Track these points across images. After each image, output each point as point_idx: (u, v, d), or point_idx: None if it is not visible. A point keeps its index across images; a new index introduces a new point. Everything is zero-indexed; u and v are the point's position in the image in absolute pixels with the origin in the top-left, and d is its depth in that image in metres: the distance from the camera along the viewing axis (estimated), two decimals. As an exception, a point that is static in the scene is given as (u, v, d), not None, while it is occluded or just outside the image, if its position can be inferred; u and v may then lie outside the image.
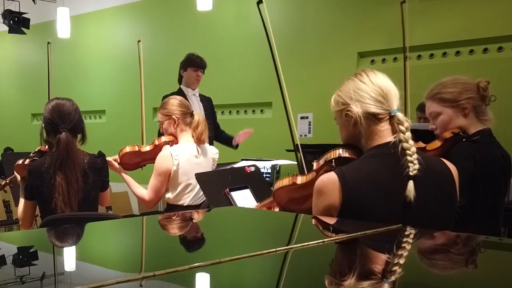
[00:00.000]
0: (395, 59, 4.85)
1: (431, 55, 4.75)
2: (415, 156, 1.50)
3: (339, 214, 1.51)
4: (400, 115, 1.54)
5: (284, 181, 1.77)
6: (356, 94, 1.58)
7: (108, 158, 3.07)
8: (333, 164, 1.62)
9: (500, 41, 4.37)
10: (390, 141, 1.54)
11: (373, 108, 1.55)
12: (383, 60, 4.96)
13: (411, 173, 1.48)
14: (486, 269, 1.05)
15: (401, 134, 1.52)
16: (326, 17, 5.36)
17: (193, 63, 4.23)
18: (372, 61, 5.12)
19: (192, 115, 3.09)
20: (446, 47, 4.64)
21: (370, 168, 1.53)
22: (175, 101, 3.09)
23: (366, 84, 1.57)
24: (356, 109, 1.56)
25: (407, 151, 1.50)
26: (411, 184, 1.47)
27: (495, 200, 2.10)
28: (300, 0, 5.53)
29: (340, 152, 1.63)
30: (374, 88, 1.56)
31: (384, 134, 1.56)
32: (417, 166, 1.49)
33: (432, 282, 0.95)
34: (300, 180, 1.73)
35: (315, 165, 1.69)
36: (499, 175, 2.09)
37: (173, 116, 3.04)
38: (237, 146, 4.48)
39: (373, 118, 1.56)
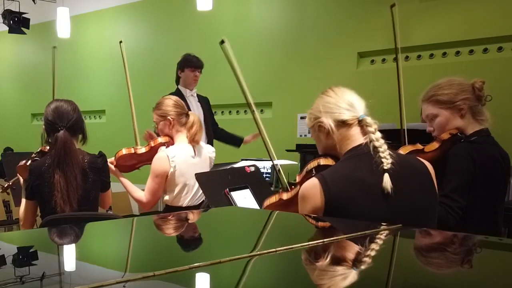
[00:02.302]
0: (395, 59, 4.85)
1: (431, 55, 4.75)
2: (387, 152, 1.60)
3: (324, 215, 1.57)
4: (368, 118, 1.65)
5: (271, 199, 1.86)
6: (324, 107, 1.69)
7: None
8: (314, 172, 1.70)
9: (500, 41, 4.36)
10: (362, 143, 1.64)
11: (342, 116, 1.66)
12: (383, 60, 4.96)
13: (385, 167, 1.57)
14: (486, 269, 1.05)
15: (372, 135, 1.63)
16: (326, 17, 5.36)
17: (190, 63, 4.21)
18: (372, 61, 5.12)
19: (187, 115, 3.07)
20: (446, 47, 4.64)
21: (347, 168, 1.62)
22: (170, 101, 3.07)
23: (332, 97, 1.70)
24: (327, 120, 1.68)
25: (379, 149, 1.60)
26: (386, 176, 1.56)
27: (495, 200, 2.10)
28: (300, 0, 5.53)
29: (319, 161, 1.72)
30: (340, 99, 1.68)
31: (356, 138, 1.66)
32: (390, 160, 1.58)
33: (432, 282, 0.95)
34: (286, 195, 1.80)
35: (297, 178, 1.78)
36: (498, 175, 2.09)
37: (168, 117, 3.02)
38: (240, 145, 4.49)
39: (343, 125, 1.66)
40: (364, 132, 1.65)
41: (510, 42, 4.32)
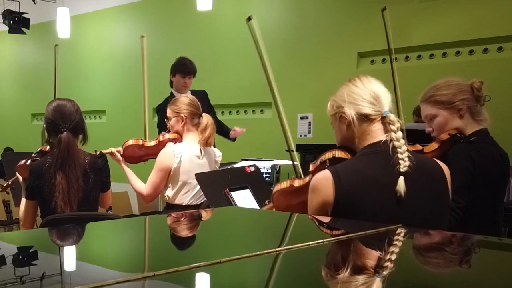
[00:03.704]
0: (395, 59, 4.85)
1: (431, 55, 4.75)
2: (406, 154, 1.56)
3: (333, 209, 1.55)
4: (391, 116, 1.60)
5: (283, 184, 1.82)
6: (349, 97, 1.64)
7: (112, 149, 3.11)
8: (328, 164, 1.67)
9: (500, 41, 4.37)
10: (382, 140, 1.60)
11: (366, 109, 1.62)
12: (383, 60, 4.96)
13: (401, 170, 1.53)
14: (486, 269, 1.05)
15: (393, 134, 1.58)
16: (326, 17, 5.36)
17: (181, 69, 4.20)
18: (372, 61, 5.12)
19: (200, 116, 3.10)
20: (446, 47, 4.64)
21: (362, 164, 1.59)
22: (186, 99, 3.11)
23: (359, 88, 1.64)
24: (349, 111, 1.63)
25: (398, 149, 1.56)
26: (401, 179, 1.53)
27: (495, 200, 2.10)
28: (300, 0, 5.53)
29: (335, 153, 1.68)
30: (366, 91, 1.63)
31: (376, 134, 1.62)
32: (407, 163, 1.54)
33: (432, 282, 0.96)
34: (297, 182, 1.77)
35: (311, 167, 1.74)
36: (497, 175, 2.09)
37: (182, 115, 3.05)
38: (234, 139, 4.50)
39: (365, 119, 1.62)
40: (386, 130, 1.60)
41: (510, 42, 4.33)
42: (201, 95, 4.35)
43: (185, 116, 3.05)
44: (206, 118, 3.10)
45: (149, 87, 4.89)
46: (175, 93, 4.21)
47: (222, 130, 4.45)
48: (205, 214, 1.84)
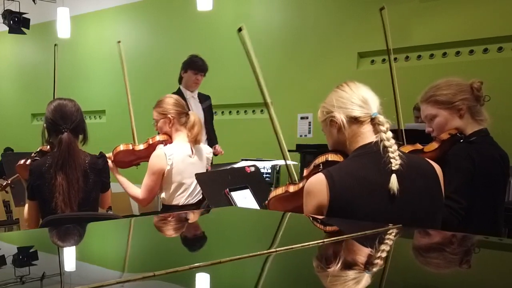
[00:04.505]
0: (395, 59, 4.85)
1: (431, 55, 4.75)
2: (397, 153, 1.59)
3: (328, 211, 1.57)
4: (380, 117, 1.64)
5: (278, 190, 1.85)
6: (338, 101, 1.68)
7: None
8: (321, 167, 1.69)
9: (500, 41, 4.37)
10: (372, 141, 1.63)
11: (355, 112, 1.65)
12: (383, 60, 4.96)
13: (393, 168, 1.56)
14: (486, 269, 1.05)
15: (383, 134, 1.62)
16: (326, 17, 5.36)
17: (194, 66, 4.22)
18: (372, 61, 5.12)
19: (187, 115, 3.08)
20: (446, 47, 4.64)
21: (355, 166, 1.61)
22: (170, 100, 3.09)
23: (347, 92, 1.68)
24: (339, 115, 1.67)
25: (389, 149, 1.59)
26: (393, 177, 1.55)
27: (495, 200, 2.10)
28: (300, 0, 5.53)
29: (328, 156, 1.71)
30: (355, 95, 1.67)
31: (367, 136, 1.65)
32: (399, 161, 1.57)
33: (432, 282, 0.96)
34: (292, 188, 1.80)
35: (305, 171, 1.77)
36: (497, 175, 2.09)
37: (169, 116, 3.03)
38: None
39: (355, 121, 1.66)
40: (376, 131, 1.63)
41: (510, 42, 4.33)
42: (205, 99, 4.36)
43: (172, 116, 3.03)
44: (193, 116, 3.08)
45: (150, 87, 4.88)
46: (183, 90, 4.22)
47: (210, 140, 4.45)
48: (205, 215, 1.84)
